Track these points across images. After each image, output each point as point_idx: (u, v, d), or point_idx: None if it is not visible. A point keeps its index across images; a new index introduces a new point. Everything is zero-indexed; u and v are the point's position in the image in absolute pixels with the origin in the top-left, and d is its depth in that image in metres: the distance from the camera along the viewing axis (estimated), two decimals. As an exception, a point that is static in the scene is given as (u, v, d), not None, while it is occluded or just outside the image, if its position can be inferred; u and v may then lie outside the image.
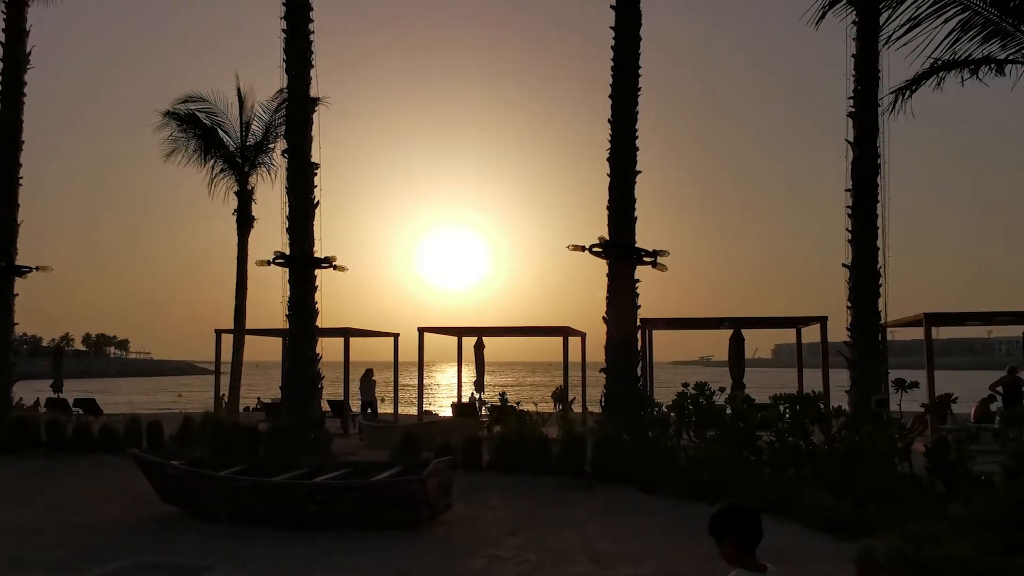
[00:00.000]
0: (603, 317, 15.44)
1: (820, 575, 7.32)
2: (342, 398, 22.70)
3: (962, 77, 9.73)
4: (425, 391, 24.95)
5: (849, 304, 14.72)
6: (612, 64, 15.81)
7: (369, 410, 22.10)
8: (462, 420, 19.51)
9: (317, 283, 16.89)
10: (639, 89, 15.80)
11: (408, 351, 23.25)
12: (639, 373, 15.56)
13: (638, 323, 15.71)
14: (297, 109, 16.72)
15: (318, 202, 16.96)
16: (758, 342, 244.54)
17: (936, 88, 10.01)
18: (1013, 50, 9.44)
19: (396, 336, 24.77)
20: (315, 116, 17.04)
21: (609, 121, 15.72)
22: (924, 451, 10.69)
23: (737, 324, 19.25)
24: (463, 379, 26.01)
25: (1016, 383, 18.01)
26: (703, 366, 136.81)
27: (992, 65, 9.56)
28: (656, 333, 20.46)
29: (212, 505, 9.65)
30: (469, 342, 24.11)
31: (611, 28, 15.92)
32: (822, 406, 12.34)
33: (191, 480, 9.95)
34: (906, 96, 10.27)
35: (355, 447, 17.57)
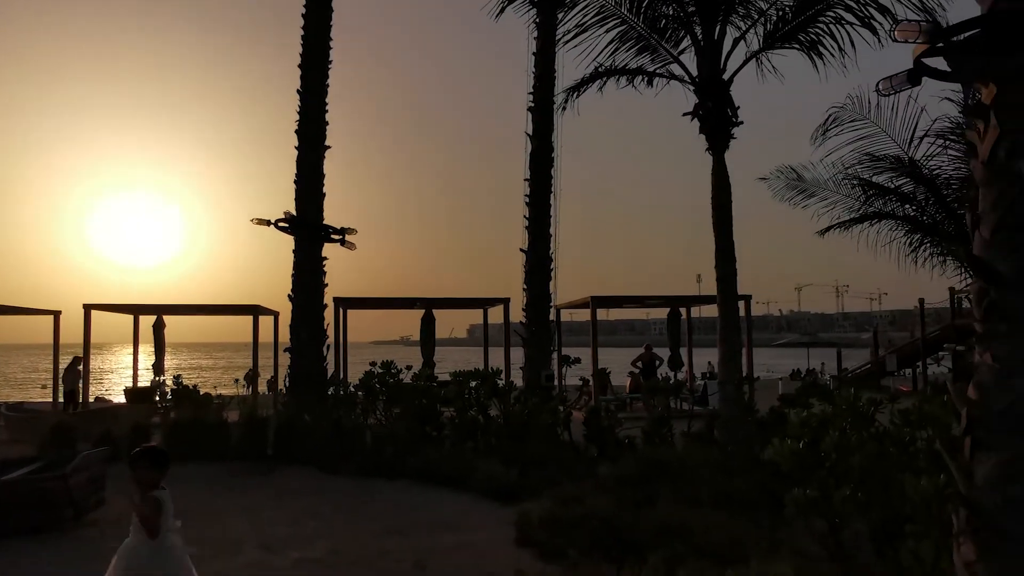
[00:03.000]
0: (288, 295, 15.02)
1: (484, 540, 7.73)
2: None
3: (618, 84, 10.88)
4: (101, 376, 22.38)
5: (525, 287, 15.86)
6: (303, 32, 15.28)
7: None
8: (132, 407, 17.81)
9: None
10: (330, 61, 15.47)
11: (76, 332, 20.63)
12: (327, 352, 15.35)
13: (327, 302, 15.48)
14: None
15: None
16: (455, 322, 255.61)
17: (600, 91, 11.05)
18: (659, 65, 10.74)
19: (57, 314, 21.94)
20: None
21: (299, 92, 15.21)
22: (583, 420, 11.91)
23: (429, 305, 19.78)
24: (140, 362, 23.76)
25: (652, 358, 20.79)
26: (404, 345, 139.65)
27: (644, 76, 10.78)
28: (356, 313, 20.40)
29: None
30: (148, 320, 22.07)
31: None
32: (500, 382, 13.10)
33: None
34: (575, 96, 11.21)
35: (-4, 442, 15.26)
